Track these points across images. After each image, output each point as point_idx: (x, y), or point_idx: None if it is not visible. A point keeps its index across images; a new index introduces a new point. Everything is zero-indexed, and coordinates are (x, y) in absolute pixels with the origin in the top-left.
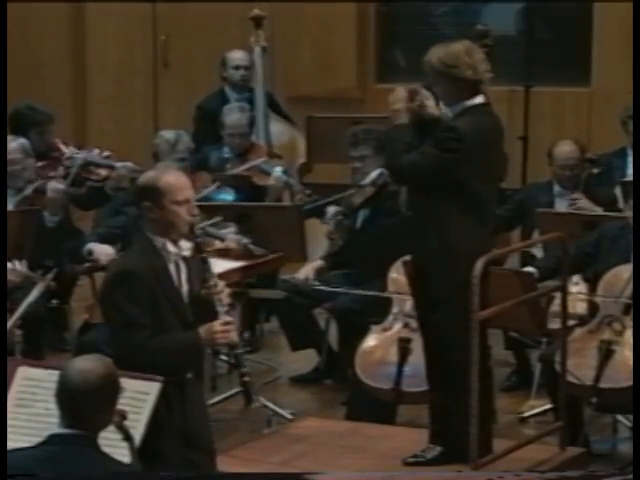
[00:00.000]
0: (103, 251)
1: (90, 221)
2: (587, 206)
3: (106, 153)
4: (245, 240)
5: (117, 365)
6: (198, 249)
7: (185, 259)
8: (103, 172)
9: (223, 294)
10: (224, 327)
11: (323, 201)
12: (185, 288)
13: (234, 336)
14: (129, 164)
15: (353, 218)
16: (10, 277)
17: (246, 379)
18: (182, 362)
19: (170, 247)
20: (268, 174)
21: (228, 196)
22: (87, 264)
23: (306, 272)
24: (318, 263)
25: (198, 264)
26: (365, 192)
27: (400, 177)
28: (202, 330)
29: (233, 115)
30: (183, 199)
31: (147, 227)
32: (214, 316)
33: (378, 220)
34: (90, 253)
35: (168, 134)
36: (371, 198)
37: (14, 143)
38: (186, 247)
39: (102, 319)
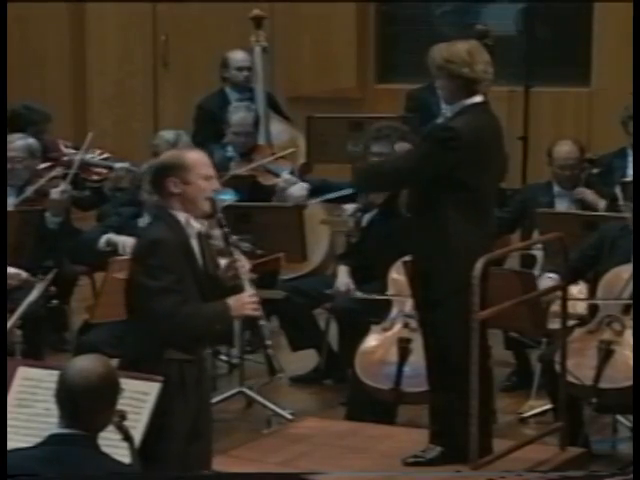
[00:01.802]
0: (128, 242)
1: (90, 221)
2: (592, 198)
3: (104, 155)
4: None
5: (121, 365)
6: (220, 224)
7: (201, 236)
8: (101, 173)
9: (245, 268)
10: (252, 298)
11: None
12: (206, 264)
13: (259, 308)
14: (127, 164)
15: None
16: (10, 282)
17: (270, 351)
18: (211, 330)
19: (194, 222)
20: (274, 174)
21: (227, 196)
22: (111, 258)
23: (345, 282)
24: (346, 268)
25: (217, 240)
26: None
27: (382, 183)
28: (231, 300)
29: (239, 114)
30: (209, 174)
31: (168, 204)
32: (225, 294)
33: (385, 220)
34: (110, 244)
35: (168, 134)
36: (389, 198)
37: (21, 142)
38: (205, 224)
39: (102, 318)
